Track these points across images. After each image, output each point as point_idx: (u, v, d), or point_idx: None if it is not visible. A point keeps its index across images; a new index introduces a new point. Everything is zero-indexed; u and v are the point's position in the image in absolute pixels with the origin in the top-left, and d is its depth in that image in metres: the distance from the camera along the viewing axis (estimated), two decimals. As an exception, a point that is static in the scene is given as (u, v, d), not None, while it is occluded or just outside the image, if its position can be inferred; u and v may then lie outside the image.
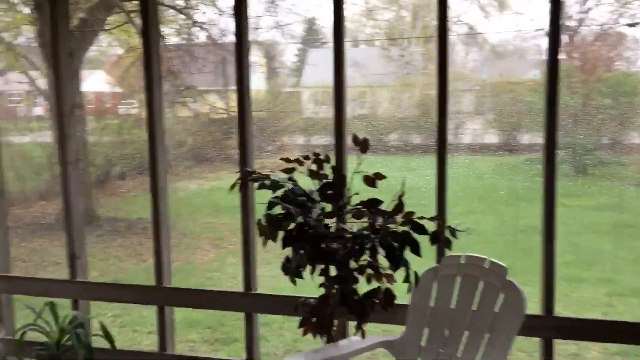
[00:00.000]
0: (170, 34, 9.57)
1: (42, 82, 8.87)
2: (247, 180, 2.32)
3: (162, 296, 2.69)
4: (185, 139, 12.61)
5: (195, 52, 9.77)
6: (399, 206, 2.19)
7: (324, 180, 2.27)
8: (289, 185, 2.30)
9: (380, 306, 2.09)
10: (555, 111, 2.39)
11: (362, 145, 2.26)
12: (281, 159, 2.26)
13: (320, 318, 2.26)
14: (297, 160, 2.24)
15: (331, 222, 2.26)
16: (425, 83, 16.71)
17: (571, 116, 11.51)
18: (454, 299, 2.34)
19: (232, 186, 2.29)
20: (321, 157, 2.32)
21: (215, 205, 10.73)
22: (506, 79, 15.83)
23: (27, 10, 8.27)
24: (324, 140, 15.11)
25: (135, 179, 11.64)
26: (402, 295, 2.31)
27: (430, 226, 2.22)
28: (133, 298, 2.86)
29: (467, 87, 15.67)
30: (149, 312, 3.58)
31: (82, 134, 9.05)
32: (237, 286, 2.72)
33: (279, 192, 2.27)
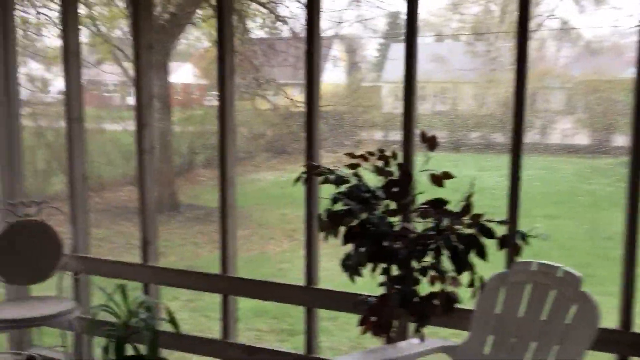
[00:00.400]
0: (254, 28, 9.76)
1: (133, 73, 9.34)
2: (311, 174, 2.31)
3: (226, 285, 2.74)
4: (264, 131, 12.85)
5: (277, 45, 9.90)
6: (467, 207, 2.10)
7: (389, 178, 2.22)
8: (354, 180, 2.26)
9: (441, 310, 2.02)
10: None
11: (430, 143, 2.18)
12: (346, 154, 2.22)
13: (379, 318, 2.21)
14: (361, 156, 2.20)
15: (395, 220, 2.20)
16: (512, 80, 15.99)
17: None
18: (522, 307, 2.22)
19: (296, 180, 2.28)
20: (387, 153, 2.27)
21: (291, 197, 10.86)
22: (600, 76, 14.92)
23: (122, 4, 8.72)
24: (399, 136, 14.84)
25: (216, 169, 11.96)
26: (466, 299, 2.22)
27: (500, 230, 2.11)
28: (198, 285, 2.94)
29: (558, 85, 14.91)
30: (219, 298, 3.71)
31: (167, 124, 9.44)
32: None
33: (343, 188, 2.25)
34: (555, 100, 14.62)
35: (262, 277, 2.76)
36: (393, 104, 15.73)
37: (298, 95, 10.87)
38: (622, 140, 12.58)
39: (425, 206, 2.12)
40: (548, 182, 10.11)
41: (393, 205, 2.25)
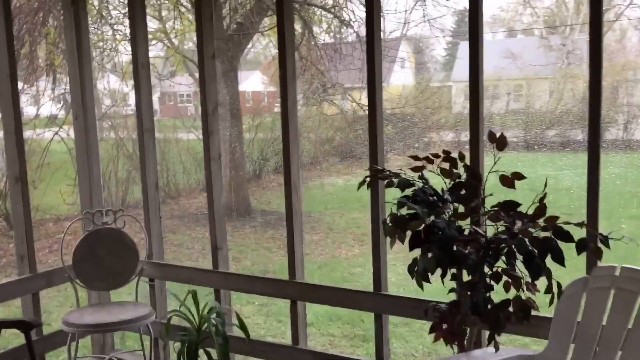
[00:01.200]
0: (319, 33, 9.82)
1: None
2: (376, 178, 2.26)
3: (294, 291, 2.73)
4: (331, 136, 12.89)
5: (342, 49, 9.91)
6: (541, 209, 1.99)
7: (456, 180, 2.14)
8: (419, 184, 2.20)
9: (516, 317, 1.92)
10: None
11: (499, 142, 2.09)
12: (410, 156, 2.17)
13: (450, 325, 2.14)
14: (426, 158, 2.13)
15: (464, 224, 2.12)
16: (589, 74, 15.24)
17: None
18: (606, 314, 2.08)
19: (361, 184, 2.25)
20: (452, 155, 2.19)
21: (361, 201, 10.82)
22: (696, 66, 13.99)
23: (192, 16, 9.01)
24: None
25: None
26: (543, 306, 2.10)
27: (579, 232, 1.99)
28: (266, 290, 2.95)
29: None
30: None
31: (237, 132, 9.64)
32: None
33: (409, 191, 2.19)
34: (639, 94, 13.79)
35: (334, 282, 2.75)
36: (463, 104, 15.35)
37: (364, 99, 10.84)
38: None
39: (495, 209, 2.03)
40: (632, 181, 9.55)
41: (461, 209, 2.17)
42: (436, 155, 2.14)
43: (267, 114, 13.00)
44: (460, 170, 2.17)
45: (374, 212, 2.54)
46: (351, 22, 9.60)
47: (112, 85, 9.98)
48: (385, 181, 2.19)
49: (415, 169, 2.16)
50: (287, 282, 2.72)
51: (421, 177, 2.22)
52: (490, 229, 2.11)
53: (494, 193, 2.16)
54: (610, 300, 2.08)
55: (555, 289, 1.95)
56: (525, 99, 14.33)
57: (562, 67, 15.52)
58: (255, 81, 14.45)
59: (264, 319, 5.34)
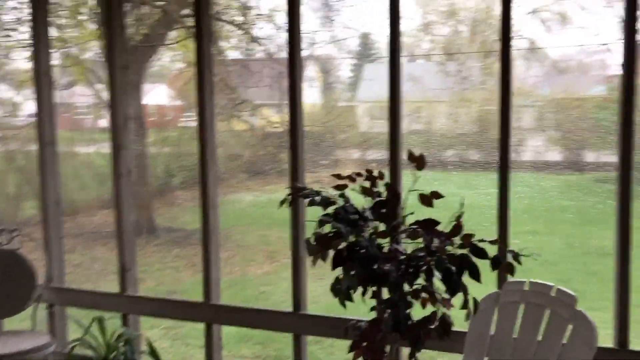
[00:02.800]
0: (228, 49, 9.73)
1: (107, 95, 9.26)
2: (297, 195, 2.24)
3: (210, 313, 2.63)
4: (240, 152, 12.76)
5: (252, 66, 9.91)
6: (457, 227, 2.05)
7: (377, 198, 2.16)
8: (341, 202, 2.21)
9: (437, 333, 1.96)
10: (630, 130, 2.21)
11: (419, 162, 2.14)
12: (333, 175, 2.17)
13: (371, 343, 2.14)
14: (349, 177, 2.14)
15: (384, 242, 2.14)
16: (484, 98, 16.32)
17: (642, 133, 10.92)
18: (516, 328, 2.17)
19: (282, 202, 2.21)
20: (374, 173, 2.22)
21: (270, 218, 10.76)
22: (570, 94, 15.24)
23: (93, 26, 8.61)
24: (379, 155, 14.96)
25: (194, 190, 11.88)
26: (459, 322, 2.16)
27: (491, 249, 2.07)
28: (181, 314, 2.83)
29: (528, 103, 15.17)
30: (201, 326, 3.60)
31: (142, 146, 9.30)
32: (289, 301, 2.64)
33: (330, 209, 2.18)
34: (527, 119, 14.85)
35: (246, 301, 2.67)
36: (369, 124, 15.79)
37: (274, 116, 10.85)
38: (592, 156, 12.78)
39: (414, 227, 2.07)
40: (525, 199, 10.22)
41: (382, 227, 2.19)
42: (359, 174, 2.15)
43: (172, 128, 12.68)
44: (381, 188, 2.20)
45: (295, 231, 2.51)
46: (260, 40, 9.62)
47: (4, 95, 9.31)
48: (307, 199, 2.17)
49: (337, 187, 2.16)
50: (202, 304, 2.62)
51: (342, 195, 2.23)
52: (410, 247, 2.14)
53: (410, 212, 2.20)
54: (521, 314, 2.18)
55: (471, 304, 2.01)
56: (425, 120, 14.96)
57: (457, 91, 16.42)
58: (160, 94, 14.03)
59: (170, 342, 5.12)
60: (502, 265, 1.98)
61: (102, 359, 2.38)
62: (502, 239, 2.23)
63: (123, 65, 2.66)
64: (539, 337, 2.11)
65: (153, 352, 2.39)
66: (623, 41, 2.35)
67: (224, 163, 12.87)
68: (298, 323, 2.52)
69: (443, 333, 1.94)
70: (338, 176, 2.16)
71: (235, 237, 9.69)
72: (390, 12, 2.49)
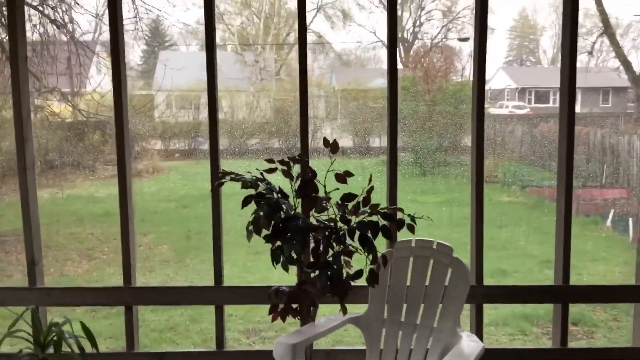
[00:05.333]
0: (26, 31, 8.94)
1: None
2: (221, 180, 2.49)
3: (131, 296, 2.71)
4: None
5: (51, 51, 9.22)
6: (367, 199, 2.52)
7: (301, 178, 2.53)
8: (263, 185, 2.52)
9: (367, 282, 2.41)
10: (395, 119, 2.78)
11: (333, 147, 2.56)
12: (266, 159, 2.48)
13: (301, 302, 2.51)
14: (281, 161, 2.48)
15: (310, 215, 2.53)
16: (280, 89, 17.24)
17: (418, 122, 12.78)
18: (408, 276, 2.73)
19: (217, 185, 2.45)
20: (287, 160, 2.57)
21: (76, 214, 10.16)
22: (356, 86, 16.96)
23: None
24: (182, 144, 14.92)
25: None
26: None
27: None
28: (100, 300, 2.83)
29: (320, 94, 16.51)
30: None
31: None
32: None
33: (254, 191, 2.49)
34: (319, 108, 16.14)
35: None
36: (167, 113, 15.59)
37: (65, 104, 10.16)
38: (378, 141, 14.50)
39: (338, 201, 2.49)
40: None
41: (304, 203, 2.57)
42: (283, 161, 2.48)
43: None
44: (295, 171, 2.57)
45: (216, 213, 2.74)
46: (64, 23, 9.03)
47: None
48: (240, 182, 2.44)
49: (269, 171, 2.48)
50: (122, 288, 2.68)
51: (263, 178, 2.54)
52: (325, 217, 2.55)
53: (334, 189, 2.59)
54: (410, 266, 2.74)
55: (381, 261, 2.51)
56: (227, 110, 15.30)
57: (256, 82, 17.10)
58: None
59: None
60: (405, 225, 2.50)
61: (41, 347, 2.32)
62: (397, 206, 2.75)
63: (25, 57, 2.57)
64: (427, 282, 2.70)
65: (87, 332, 2.41)
66: (387, 38, 2.82)
67: (9, 156, 11.75)
68: (220, 295, 2.76)
69: (373, 281, 2.39)
70: (270, 160, 2.48)
71: (41, 236, 9.00)
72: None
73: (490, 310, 5.58)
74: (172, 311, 5.66)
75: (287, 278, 2.69)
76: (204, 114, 15.41)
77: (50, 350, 2.34)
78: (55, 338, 2.28)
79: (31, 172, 2.65)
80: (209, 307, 5.54)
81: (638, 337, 2.92)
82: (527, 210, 10.73)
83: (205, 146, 14.45)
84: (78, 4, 8.55)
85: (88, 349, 2.39)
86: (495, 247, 8.24)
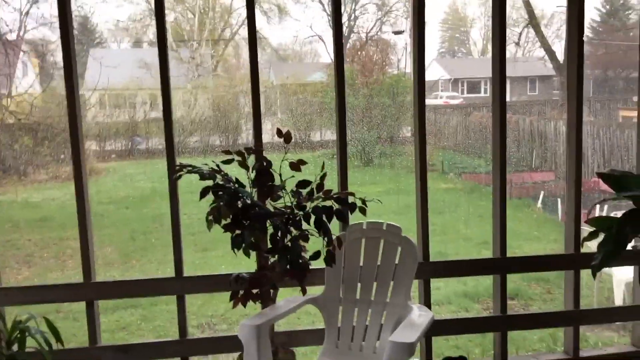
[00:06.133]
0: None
1: None
2: (179, 173, 2.57)
3: (92, 291, 2.74)
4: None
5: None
6: (321, 185, 2.67)
7: (257, 168, 2.65)
8: (219, 176, 2.62)
9: (325, 263, 2.55)
10: (344, 111, 2.93)
11: (286, 137, 2.68)
12: (223, 151, 2.57)
13: (261, 287, 2.63)
14: (237, 152, 2.58)
15: (267, 202, 2.65)
16: (218, 85, 17.14)
17: (357, 114, 13.06)
18: (361, 257, 2.89)
19: (176, 179, 2.54)
20: (243, 151, 2.67)
21: (11, 221, 9.82)
22: (294, 81, 17.07)
23: None
24: (118, 145, 14.60)
25: None
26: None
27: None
28: (62, 297, 2.84)
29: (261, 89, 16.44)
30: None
31: None
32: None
33: (211, 182, 2.58)
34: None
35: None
36: (98, 112, 15.21)
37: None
38: (319, 135, 14.68)
39: (293, 189, 2.62)
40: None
41: (260, 191, 2.69)
42: (239, 152, 2.58)
43: None
44: (250, 162, 2.67)
45: (174, 204, 2.80)
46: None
47: None
48: (198, 174, 2.53)
49: (226, 162, 2.57)
50: (83, 284, 2.70)
51: (219, 170, 2.64)
52: (282, 204, 2.67)
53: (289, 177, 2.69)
54: (363, 247, 2.91)
55: (336, 243, 2.65)
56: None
57: (193, 78, 16.93)
58: None
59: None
60: (357, 209, 2.66)
61: (7, 345, 2.32)
62: (349, 192, 2.90)
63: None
64: (379, 262, 2.87)
65: (52, 328, 2.42)
66: (332, 32, 2.94)
67: None
68: (181, 285, 2.83)
69: (331, 260, 2.54)
70: (227, 152, 2.58)
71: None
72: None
73: (434, 291, 5.88)
74: (121, 312, 5.64)
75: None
76: (141, 113, 15.07)
77: (15, 347, 2.35)
78: (19, 335, 2.30)
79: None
80: (161, 305, 5.61)
81: (569, 301, 3.21)
82: (464, 196, 11.21)
83: (143, 145, 14.18)
84: (6, 2, 8.25)
85: (53, 345, 2.41)
86: (436, 232, 8.60)
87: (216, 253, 7.39)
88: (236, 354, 2.75)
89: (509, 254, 3.14)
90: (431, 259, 3.10)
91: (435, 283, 5.90)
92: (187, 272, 2.85)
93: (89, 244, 2.69)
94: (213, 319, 5.49)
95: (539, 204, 10.20)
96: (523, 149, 13.42)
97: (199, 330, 5.24)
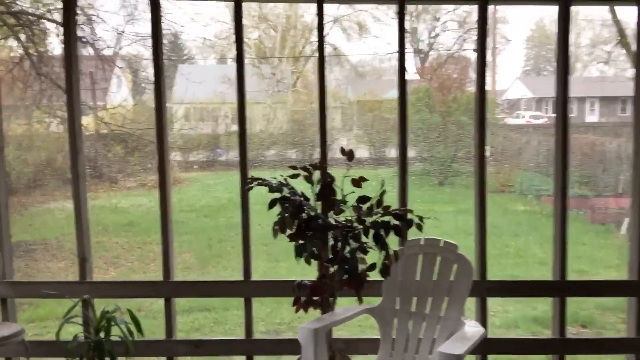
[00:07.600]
0: (55, 46, 9.41)
1: None
2: (250, 185, 2.80)
3: (170, 289, 3.02)
4: (53, 157, 12.20)
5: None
6: (380, 202, 2.82)
7: (320, 184, 2.84)
8: (287, 189, 2.83)
9: (380, 274, 2.70)
10: (405, 128, 3.08)
11: (349, 155, 2.86)
12: (290, 166, 2.79)
13: (321, 294, 2.81)
14: (303, 168, 2.79)
15: (329, 216, 2.83)
16: (297, 100, 17.59)
17: (432, 132, 13.02)
18: (418, 272, 3.01)
19: (247, 189, 2.78)
20: (308, 167, 2.88)
21: (101, 224, 10.54)
22: (372, 97, 17.24)
23: None
24: (200, 156, 15.28)
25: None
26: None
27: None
28: (143, 292, 3.15)
29: (337, 105, 16.78)
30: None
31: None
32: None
33: (279, 195, 2.79)
34: (335, 119, 16.42)
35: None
36: (185, 125, 15.98)
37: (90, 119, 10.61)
38: (394, 152, 14.72)
39: (354, 203, 2.80)
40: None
41: (323, 205, 2.88)
42: (305, 168, 2.79)
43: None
44: (315, 177, 2.87)
45: (244, 213, 3.05)
46: (85, 39, 9.46)
47: None
48: (267, 186, 2.76)
49: (292, 177, 2.79)
50: (163, 282, 2.99)
51: (286, 184, 2.85)
52: (342, 218, 2.84)
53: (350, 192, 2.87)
54: (420, 262, 3.02)
55: (393, 257, 2.79)
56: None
57: (273, 93, 17.47)
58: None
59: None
60: (414, 225, 2.79)
61: (95, 331, 2.63)
62: (405, 209, 3.04)
63: None
64: (434, 277, 2.97)
65: (134, 319, 2.71)
66: (397, 53, 3.11)
67: (39, 169, 12.20)
68: (249, 288, 3.07)
69: (385, 273, 2.68)
70: (294, 167, 2.79)
71: (69, 245, 9.41)
72: (235, 18, 3.01)
73: (502, 314, 5.81)
74: (196, 314, 5.98)
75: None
76: (222, 126, 15.72)
77: (102, 335, 2.65)
78: (106, 324, 2.59)
79: (83, 180, 2.99)
80: (233, 310, 5.90)
81: (631, 328, 3.16)
82: (542, 219, 10.89)
83: (223, 157, 14.79)
84: (104, 21, 8.99)
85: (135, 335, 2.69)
86: (510, 254, 8.44)
87: (287, 264, 7.65)
88: (296, 357, 2.93)
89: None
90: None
91: (505, 306, 5.88)
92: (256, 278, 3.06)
93: (169, 247, 2.97)
94: (280, 326, 5.71)
95: (623, 231, 9.77)
96: (609, 172, 12.86)
97: (266, 335, 5.48)
